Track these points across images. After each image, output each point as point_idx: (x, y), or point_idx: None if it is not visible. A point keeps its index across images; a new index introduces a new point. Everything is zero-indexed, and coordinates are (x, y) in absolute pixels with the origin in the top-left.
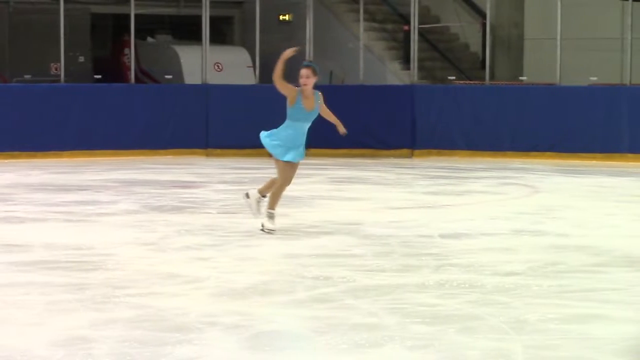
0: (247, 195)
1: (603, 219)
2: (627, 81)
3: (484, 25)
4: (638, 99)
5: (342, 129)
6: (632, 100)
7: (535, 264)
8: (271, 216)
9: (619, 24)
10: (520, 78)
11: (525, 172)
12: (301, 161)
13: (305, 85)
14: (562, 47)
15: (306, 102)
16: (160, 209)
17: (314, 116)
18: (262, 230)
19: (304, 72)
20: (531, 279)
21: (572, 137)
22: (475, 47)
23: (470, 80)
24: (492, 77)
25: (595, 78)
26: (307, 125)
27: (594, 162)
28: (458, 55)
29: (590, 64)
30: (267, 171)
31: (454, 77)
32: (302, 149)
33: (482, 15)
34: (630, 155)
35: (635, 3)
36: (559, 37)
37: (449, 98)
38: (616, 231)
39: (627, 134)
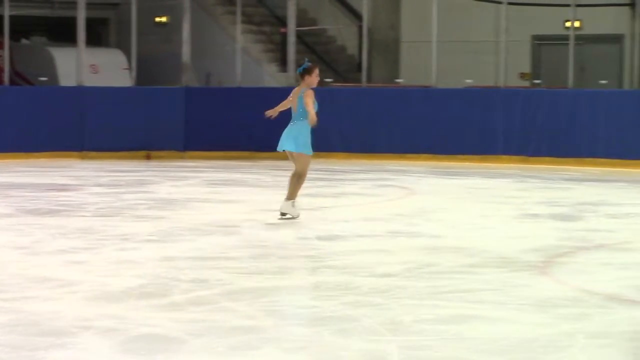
0: (284, 215)
1: (478, 220)
2: (501, 83)
3: (360, 28)
4: (512, 101)
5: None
6: (506, 102)
7: (411, 265)
8: (294, 204)
9: (493, 27)
10: (397, 80)
11: (401, 173)
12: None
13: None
14: (438, 49)
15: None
16: (35, 212)
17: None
18: (283, 217)
19: (317, 71)
20: (406, 280)
21: (447, 139)
22: (352, 49)
23: (347, 83)
24: (368, 79)
25: (470, 80)
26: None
27: (469, 163)
28: (335, 58)
29: (466, 66)
30: (142, 173)
31: (331, 80)
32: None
33: (359, 18)
34: (504, 157)
35: (510, 6)
36: (434, 40)
37: (326, 100)
38: (490, 232)
39: (502, 136)
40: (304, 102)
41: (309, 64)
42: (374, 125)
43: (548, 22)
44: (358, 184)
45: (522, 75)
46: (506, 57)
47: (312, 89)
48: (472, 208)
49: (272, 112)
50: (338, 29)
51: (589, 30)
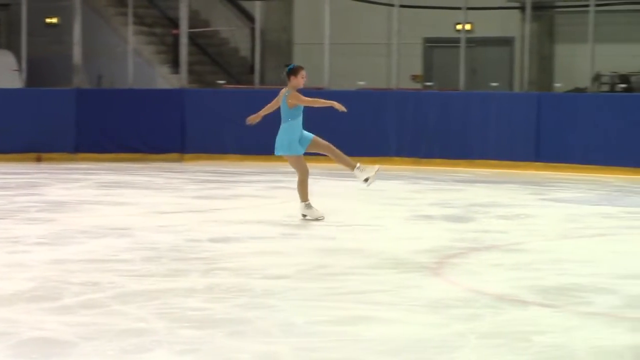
0: (305, 216)
1: (371, 222)
2: (393, 86)
3: (253, 30)
4: (404, 104)
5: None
6: (398, 104)
7: (305, 266)
8: (310, 206)
9: (385, 29)
10: None
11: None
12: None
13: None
14: (330, 51)
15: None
16: None
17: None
18: (307, 218)
19: (304, 72)
20: (300, 282)
21: (341, 141)
22: (245, 51)
23: (240, 85)
24: (261, 81)
25: (363, 82)
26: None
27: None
28: (228, 60)
29: (358, 68)
30: (33, 175)
31: (224, 81)
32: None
33: (252, 20)
34: (397, 158)
35: (402, 9)
36: (327, 42)
37: (219, 102)
38: (384, 234)
39: (394, 138)
40: (289, 103)
41: (295, 65)
42: (267, 127)
43: (439, 24)
44: (252, 185)
45: (414, 78)
46: (398, 59)
47: (298, 90)
48: (365, 210)
49: (255, 118)
50: (231, 31)
51: (479, 33)
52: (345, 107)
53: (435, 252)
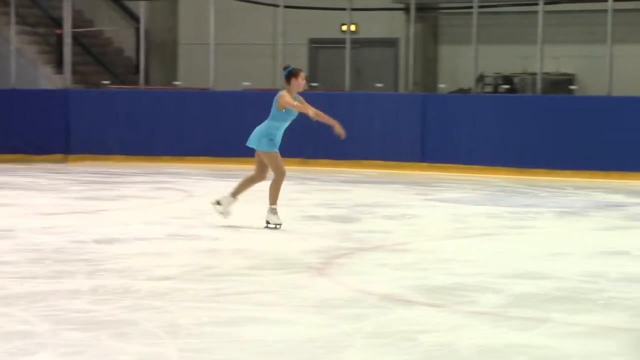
0: (219, 202)
1: (257, 223)
2: (279, 86)
3: (137, 30)
4: None
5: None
6: None
7: (190, 268)
8: (274, 211)
9: (270, 30)
10: (175, 83)
11: (180, 176)
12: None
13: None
14: (215, 52)
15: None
16: None
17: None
18: (268, 226)
19: (303, 74)
20: (186, 283)
21: (226, 142)
22: (130, 51)
23: (125, 85)
24: (146, 81)
25: (248, 83)
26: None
27: (248, 166)
28: (112, 60)
29: (244, 69)
30: None
31: (108, 82)
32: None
33: (136, 19)
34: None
35: (287, 10)
36: (212, 43)
37: (104, 102)
38: (270, 234)
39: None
40: (279, 103)
41: (294, 67)
42: (152, 127)
43: (325, 25)
44: (136, 186)
45: None
46: (283, 60)
47: (299, 93)
48: (251, 210)
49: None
50: (115, 31)
51: (364, 34)
52: (313, 117)
53: (322, 252)
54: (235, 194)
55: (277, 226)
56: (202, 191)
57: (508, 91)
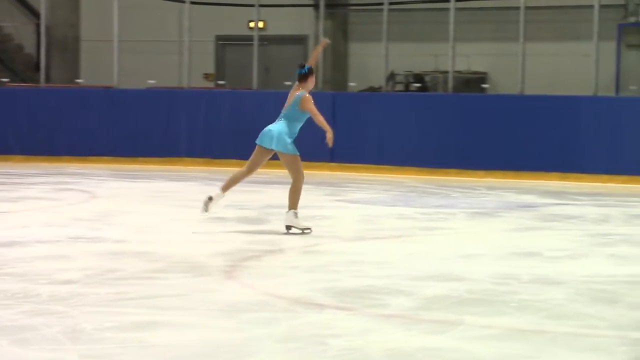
0: (289, 228)
1: (163, 225)
2: (185, 84)
3: (38, 26)
4: (196, 103)
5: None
6: (190, 103)
7: (93, 271)
8: (297, 215)
9: (177, 26)
10: (77, 80)
11: (82, 177)
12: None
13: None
14: (119, 49)
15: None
16: None
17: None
18: (291, 231)
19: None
20: (88, 287)
21: (130, 141)
22: (30, 48)
23: (25, 83)
24: (47, 79)
25: (153, 81)
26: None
27: (153, 166)
28: (12, 57)
29: (149, 66)
30: None
31: (7, 79)
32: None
33: (37, 15)
34: (188, 159)
35: (193, 6)
36: (116, 39)
37: (3, 101)
38: (176, 236)
39: (185, 138)
40: (306, 108)
41: (309, 66)
42: (53, 127)
43: (232, 22)
44: (37, 187)
45: (207, 76)
46: (190, 57)
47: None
48: (156, 212)
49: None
50: (15, 27)
51: (273, 31)
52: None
53: (230, 255)
54: (225, 189)
55: (306, 231)
56: (105, 192)
57: (419, 90)
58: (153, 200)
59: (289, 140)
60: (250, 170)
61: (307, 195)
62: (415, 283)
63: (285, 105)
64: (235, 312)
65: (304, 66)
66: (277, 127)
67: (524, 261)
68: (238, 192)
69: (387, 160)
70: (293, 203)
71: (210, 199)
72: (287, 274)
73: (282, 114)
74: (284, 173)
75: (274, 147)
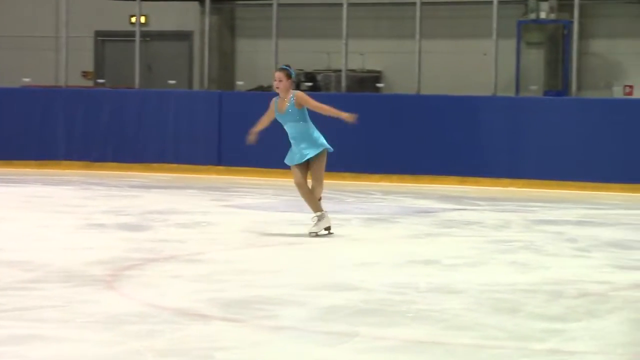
0: (328, 229)
1: (38, 232)
2: (62, 83)
3: None
4: (74, 103)
5: (347, 116)
6: (67, 103)
7: None
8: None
9: (53, 20)
10: None
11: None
12: (303, 161)
13: (277, 88)
14: None
15: (281, 106)
16: None
17: (291, 117)
18: (319, 234)
19: (276, 75)
20: None
21: (3, 144)
22: None
23: None
24: None
25: (28, 79)
26: (291, 125)
27: (27, 169)
28: None
29: (24, 64)
30: None
31: None
32: (294, 152)
33: None
34: (65, 162)
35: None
36: None
37: None
38: (52, 244)
39: (64, 140)
40: (312, 105)
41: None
42: None
43: (112, 16)
44: None
45: (85, 74)
46: (67, 54)
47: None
48: (31, 218)
49: (253, 137)
50: None
51: (155, 27)
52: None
53: (109, 263)
54: (318, 209)
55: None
56: None
57: (311, 89)
58: (28, 206)
59: (319, 141)
60: (306, 177)
61: (192, 200)
62: (307, 293)
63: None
64: (116, 324)
65: (289, 67)
66: (304, 138)
67: (422, 269)
68: (116, 197)
69: (278, 163)
70: (316, 206)
71: (320, 221)
72: (170, 284)
73: (292, 125)
74: (166, 177)
75: (314, 154)
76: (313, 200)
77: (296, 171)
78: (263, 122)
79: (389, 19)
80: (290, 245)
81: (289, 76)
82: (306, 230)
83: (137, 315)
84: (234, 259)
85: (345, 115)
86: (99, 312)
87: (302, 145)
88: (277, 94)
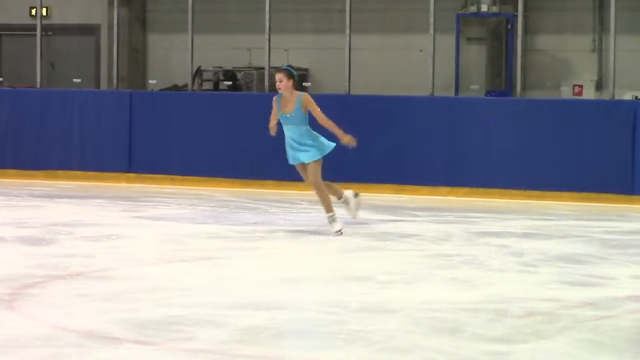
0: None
1: None
2: None
3: None
4: None
5: (347, 140)
6: None
7: None
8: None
9: None
10: None
11: None
12: (305, 162)
13: (279, 88)
14: None
15: (285, 106)
16: None
17: (296, 118)
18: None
19: (277, 76)
20: None
21: None
22: None
23: None
24: None
25: None
26: (292, 128)
27: None
28: None
29: None
30: None
31: None
32: (295, 152)
33: None
34: None
35: None
36: None
37: None
38: None
39: None
40: (316, 112)
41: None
42: None
43: (10, 8)
44: None
45: None
46: None
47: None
48: None
49: (274, 130)
50: None
51: (59, 20)
52: None
53: (9, 281)
54: (341, 195)
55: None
56: None
57: (231, 88)
58: None
59: (321, 144)
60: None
61: (100, 210)
62: (228, 312)
63: (284, 113)
64: (15, 347)
65: (291, 67)
66: (304, 139)
67: (354, 286)
68: (17, 208)
69: (195, 170)
70: (329, 206)
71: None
72: (76, 303)
73: (293, 126)
74: (71, 185)
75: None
76: (325, 199)
77: (301, 171)
78: (274, 118)
79: (316, 12)
80: (208, 260)
81: (289, 76)
82: (226, 244)
83: (41, 338)
84: (147, 275)
85: (342, 136)
86: None
87: (299, 148)
88: (270, 95)
